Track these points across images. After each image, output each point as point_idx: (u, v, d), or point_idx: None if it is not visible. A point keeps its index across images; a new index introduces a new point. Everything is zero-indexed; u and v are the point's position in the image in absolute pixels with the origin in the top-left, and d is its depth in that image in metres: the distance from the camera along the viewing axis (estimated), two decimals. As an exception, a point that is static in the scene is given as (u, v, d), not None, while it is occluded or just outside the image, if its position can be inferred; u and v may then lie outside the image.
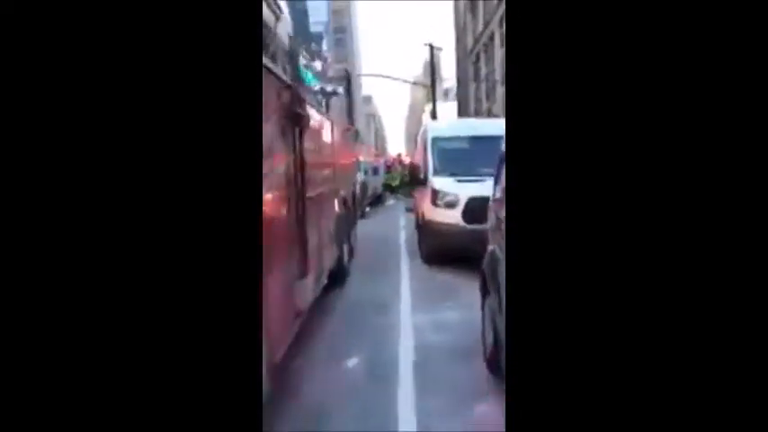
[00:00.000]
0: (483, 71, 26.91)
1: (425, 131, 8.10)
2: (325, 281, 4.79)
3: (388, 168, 17.71)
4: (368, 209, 13.24)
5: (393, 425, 2.85)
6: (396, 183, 15.14)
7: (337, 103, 6.37)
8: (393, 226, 10.81)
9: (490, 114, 23.15)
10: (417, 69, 59.74)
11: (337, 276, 5.58)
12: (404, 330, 4.35)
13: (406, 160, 17.27)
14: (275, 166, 2.87)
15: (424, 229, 7.11)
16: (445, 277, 6.08)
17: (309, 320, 4.06)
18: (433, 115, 22.48)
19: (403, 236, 9.34)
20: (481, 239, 3.94)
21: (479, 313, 3.69)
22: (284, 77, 3.17)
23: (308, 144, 3.67)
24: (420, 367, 3.57)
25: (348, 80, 7.97)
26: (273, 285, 2.67)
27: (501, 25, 21.76)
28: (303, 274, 3.46)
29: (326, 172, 4.94)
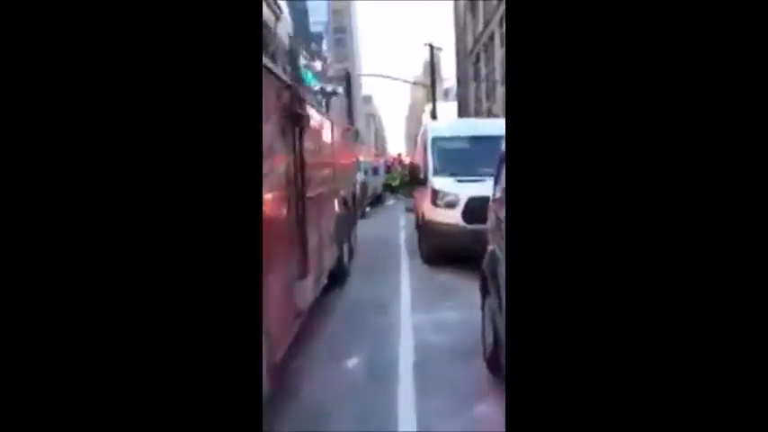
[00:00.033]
0: (483, 71, 26.91)
1: (425, 131, 8.10)
2: (325, 281, 4.79)
3: (388, 168, 17.71)
4: (368, 209, 13.24)
5: (393, 425, 2.84)
6: (396, 183, 15.14)
7: (337, 103, 6.37)
8: (393, 226, 10.80)
9: (490, 114, 23.15)
10: (417, 69, 59.78)
11: (337, 276, 5.58)
12: (404, 330, 4.35)
13: (406, 160, 17.27)
14: (275, 166, 2.87)
15: (424, 229, 7.11)
16: (445, 277, 6.08)
17: (309, 320, 4.05)
18: (434, 115, 22.47)
19: (403, 236, 9.33)
20: (481, 239, 3.94)
21: (479, 313, 3.69)
22: (284, 77, 3.17)
23: (307, 144, 3.66)
24: (420, 367, 3.57)
25: (348, 80, 7.98)
26: (273, 286, 2.67)
27: (501, 25, 21.76)
28: (303, 274, 3.46)
29: (326, 172, 4.93)
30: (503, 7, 20.21)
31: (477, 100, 28.71)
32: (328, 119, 5.20)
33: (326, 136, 5.07)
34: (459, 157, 6.96)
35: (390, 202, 15.85)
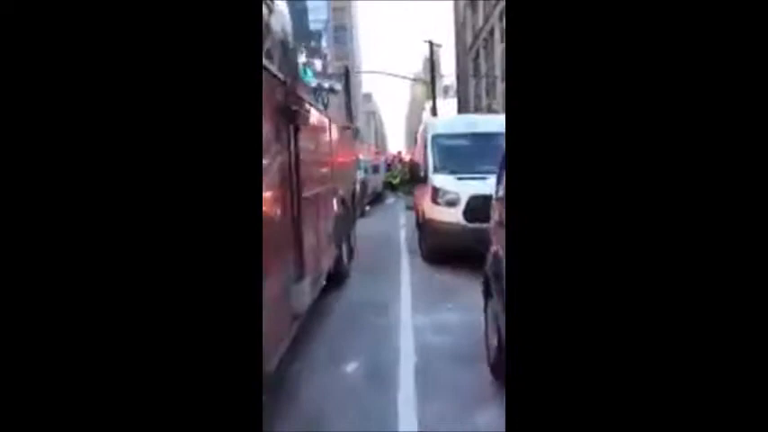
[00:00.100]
0: (483, 67, 26.78)
1: (425, 128, 8.01)
2: (323, 282, 4.69)
3: (389, 166, 17.61)
4: (368, 207, 13.12)
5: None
6: (396, 180, 15.07)
7: (336, 101, 6.26)
8: (393, 224, 10.72)
9: (490, 111, 23.02)
10: (417, 66, 59.61)
11: (337, 277, 5.48)
12: (404, 333, 4.26)
13: (407, 158, 17.14)
14: (268, 165, 2.75)
15: (425, 227, 7.02)
16: (446, 277, 5.99)
17: (309, 322, 3.97)
18: (434, 112, 22.37)
19: (403, 234, 9.24)
20: (482, 239, 3.86)
21: (481, 315, 3.58)
22: (277, 73, 3.05)
23: (303, 142, 3.55)
24: (421, 372, 3.47)
25: (346, 77, 7.86)
26: (267, 290, 2.55)
27: (501, 20, 21.63)
28: (299, 277, 3.35)
29: (324, 171, 4.82)
30: (502, 2, 20.09)
31: (477, 96, 28.59)
32: (326, 116, 5.08)
33: (324, 134, 4.95)
34: (459, 155, 6.88)
35: (390, 200, 15.76)
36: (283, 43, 3.47)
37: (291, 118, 3.21)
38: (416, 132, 9.88)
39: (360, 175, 11.08)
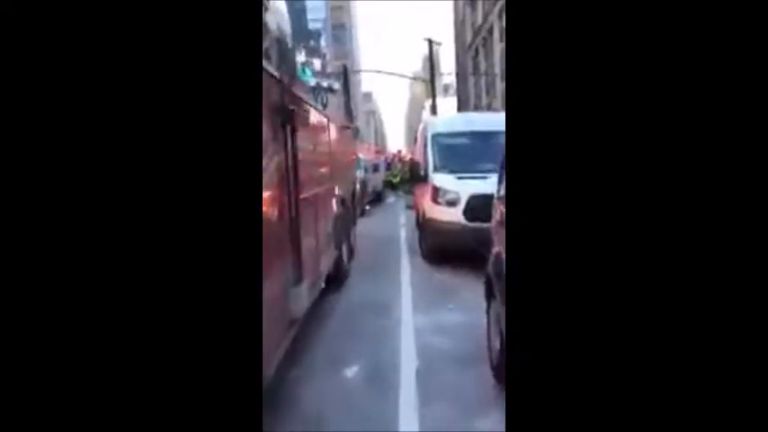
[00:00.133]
0: (482, 65, 26.71)
1: (425, 127, 7.95)
2: (322, 285, 4.63)
3: (389, 166, 17.54)
4: (368, 207, 13.06)
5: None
6: (396, 180, 15.01)
7: (335, 101, 6.20)
8: (393, 224, 10.66)
9: (490, 109, 22.95)
10: (417, 65, 59.49)
11: (336, 279, 5.42)
12: (405, 334, 4.20)
13: (407, 157, 17.07)
14: (264, 166, 2.69)
15: (425, 227, 6.97)
16: (447, 277, 5.94)
17: (308, 323, 3.92)
18: (433, 111, 22.29)
19: (403, 234, 9.17)
20: (483, 239, 3.81)
21: (483, 316, 3.52)
22: (272, 71, 2.98)
23: (301, 143, 3.49)
24: (423, 375, 3.42)
25: (345, 76, 7.79)
26: (264, 295, 2.49)
27: (500, 18, 21.55)
28: (297, 281, 3.29)
29: (323, 171, 4.76)
30: (502, 0, 20.00)
31: (477, 95, 28.52)
32: (324, 116, 5.02)
33: (322, 133, 4.89)
34: (459, 153, 6.83)
35: (391, 199, 15.69)
36: (279, 41, 3.41)
37: (287, 117, 3.14)
38: (416, 131, 9.81)
39: (360, 174, 11.02)
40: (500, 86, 21.73)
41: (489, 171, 4.93)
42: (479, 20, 26.92)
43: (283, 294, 3.08)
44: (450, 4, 36.82)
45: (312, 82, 5.12)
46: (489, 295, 3.40)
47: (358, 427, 2.83)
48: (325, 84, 5.55)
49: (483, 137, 6.58)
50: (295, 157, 3.26)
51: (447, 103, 32.82)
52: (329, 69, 7.05)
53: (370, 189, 14.04)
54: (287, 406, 3.04)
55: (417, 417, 2.89)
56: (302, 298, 3.39)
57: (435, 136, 7.25)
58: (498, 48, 22.47)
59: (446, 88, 40.75)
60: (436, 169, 6.82)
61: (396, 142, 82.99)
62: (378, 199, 15.11)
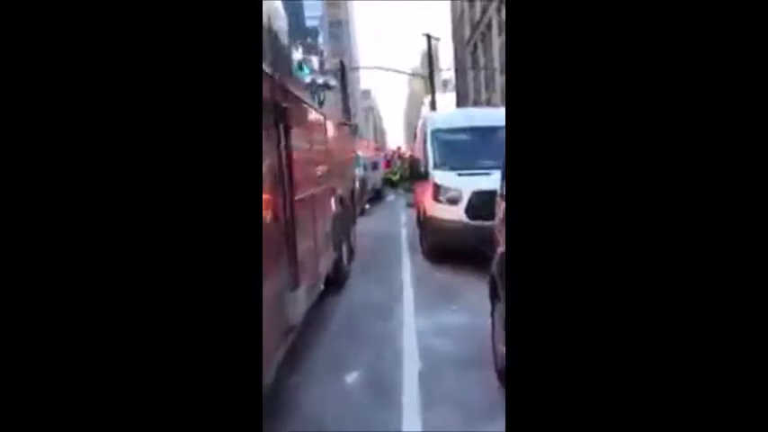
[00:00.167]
0: (481, 60, 26.55)
1: (424, 123, 7.83)
2: (321, 287, 4.52)
3: (388, 163, 17.39)
4: (367, 206, 12.91)
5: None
6: (396, 177, 14.88)
7: (333, 98, 6.07)
8: (393, 223, 10.54)
9: (489, 104, 22.80)
10: (415, 61, 59.31)
11: (336, 281, 5.31)
12: (407, 336, 4.10)
13: (406, 153, 16.93)
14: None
15: (426, 225, 6.85)
16: (449, 276, 5.83)
17: (307, 325, 3.84)
18: (433, 106, 22.14)
19: (404, 233, 9.05)
20: (485, 237, 3.71)
21: (487, 317, 3.42)
22: (265, 68, 2.85)
23: (296, 141, 3.37)
24: (425, 378, 3.32)
25: (342, 72, 7.65)
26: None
27: (498, 12, 21.39)
28: (294, 286, 3.17)
29: (320, 170, 4.63)
30: (500, -6, 19.84)
31: (476, 90, 28.37)
32: (321, 113, 4.90)
33: (319, 131, 4.77)
34: (460, 149, 6.72)
35: (390, 197, 15.55)
36: (272, 36, 3.28)
37: (281, 116, 3.02)
38: (416, 127, 9.68)
39: (359, 172, 10.88)
40: (499, 81, 21.60)
41: (491, 167, 4.82)
42: (478, 14, 26.76)
43: (280, 301, 2.96)
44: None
45: (308, 79, 4.99)
46: (494, 296, 3.29)
47: (360, 426, 2.74)
48: (321, 81, 5.42)
49: (483, 132, 6.47)
50: (289, 156, 3.14)
51: (446, 99, 32.69)
52: (327, 66, 6.90)
53: (369, 187, 13.90)
54: (287, 413, 2.95)
55: (420, 422, 2.80)
56: (300, 303, 3.28)
57: (435, 132, 7.13)
58: (497, 42, 22.32)
59: (445, 84, 40.63)
60: (436, 166, 6.70)
61: (395, 139, 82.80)
62: (377, 197, 14.96)
